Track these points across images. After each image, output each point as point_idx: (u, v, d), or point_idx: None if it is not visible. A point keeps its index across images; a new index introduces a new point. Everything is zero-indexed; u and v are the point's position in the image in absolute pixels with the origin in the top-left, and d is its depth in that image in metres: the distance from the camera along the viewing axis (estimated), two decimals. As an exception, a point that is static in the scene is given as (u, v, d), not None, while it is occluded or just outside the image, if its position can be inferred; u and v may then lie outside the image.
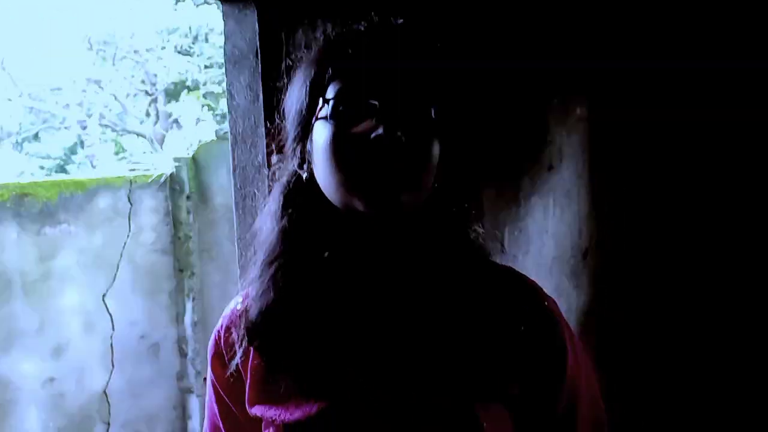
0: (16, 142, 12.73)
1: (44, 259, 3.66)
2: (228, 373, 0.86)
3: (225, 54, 1.44)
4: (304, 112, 0.80)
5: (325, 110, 0.77)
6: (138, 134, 11.51)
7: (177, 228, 4.08)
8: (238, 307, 0.88)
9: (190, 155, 4.02)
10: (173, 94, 11.47)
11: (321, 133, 0.77)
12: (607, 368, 2.41)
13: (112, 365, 4.00)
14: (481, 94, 1.76)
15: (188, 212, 4.05)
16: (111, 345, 3.98)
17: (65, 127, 12.13)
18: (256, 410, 0.82)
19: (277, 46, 1.41)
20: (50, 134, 13.19)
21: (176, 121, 11.46)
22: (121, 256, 3.90)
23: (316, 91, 0.78)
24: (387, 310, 0.82)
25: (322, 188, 0.79)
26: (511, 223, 1.87)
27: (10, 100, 11.09)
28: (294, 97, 0.82)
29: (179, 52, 10.84)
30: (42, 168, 12.62)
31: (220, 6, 1.44)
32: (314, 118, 0.79)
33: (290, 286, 0.81)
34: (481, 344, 0.82)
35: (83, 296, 3.84)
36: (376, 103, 0.73)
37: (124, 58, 11.25)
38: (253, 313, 0.83)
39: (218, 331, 0.91)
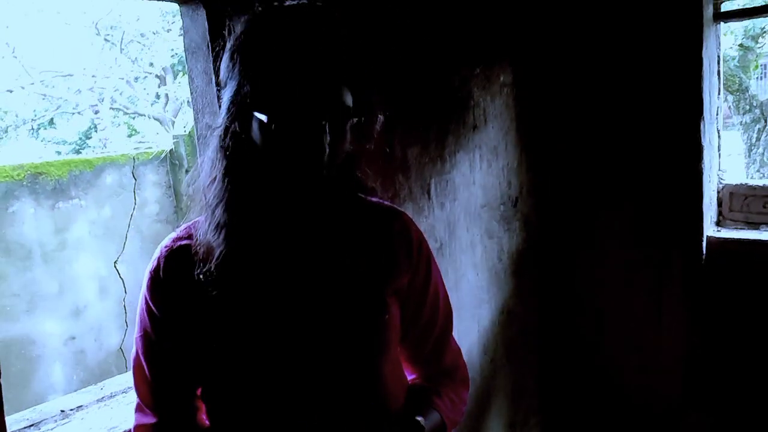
0: (32, 128, 13.05)
1: (59, 231, 4.07)
2: (168, 298, 1.03)
3: (185, 46, 1.78)
4: (241, 96, 0.96)
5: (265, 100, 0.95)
6: (149, 116, 11.77)
7: (178, 199, 4.47)
8: (179, 243, 1.04)
9: (187, 133, 4.38)
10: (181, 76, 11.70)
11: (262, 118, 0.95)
12: (537, 294, 2.78)
13: (126, 325, 4.43)
14: (405, 68, 2.09)
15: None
16: (124, 307, 4.41)
17: (78, 113, 12.40)
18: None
19: (222, 39, 1.76)
20: (64, 120, 13.48)
21: (187, 102, 11.69)
22: (129, 226, 4.30)
23: (254, 79, 0.95)
24: (303, 235, 1.05)
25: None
26: (437, 176, 2.22)
27: (23, 87, 11.31)
28: (233, 81, 0.97)
29: (184, 35, 10.98)
30: (58, 153, 12.87)
31: (179, 7, 1.78)
32: (255, 103, 0.95)
33: (237, 222, 0.99)
34: (370, 249, 1.09)
35: (97, 263, 4.25)
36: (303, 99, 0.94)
37: (131, 41, 11.46)
38: (212, 245, 0.98)
39: (159, 261, 1.04)
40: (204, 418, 1.10)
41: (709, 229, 2.70)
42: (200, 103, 1.84)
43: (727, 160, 2.84)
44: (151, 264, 1.05)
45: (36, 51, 11.28)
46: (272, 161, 0.98)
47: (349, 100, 0.99)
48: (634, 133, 2.68)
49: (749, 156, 9.94)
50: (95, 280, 4.29)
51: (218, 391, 1.06)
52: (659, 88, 2.60)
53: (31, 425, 1.43)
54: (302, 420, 1.02)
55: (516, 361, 2.68)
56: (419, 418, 1.08)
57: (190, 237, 1.05)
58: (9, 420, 1.34)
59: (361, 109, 1.03)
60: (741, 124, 10.12)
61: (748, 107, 9.99)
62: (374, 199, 1.18)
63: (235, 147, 0.99)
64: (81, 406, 1.52)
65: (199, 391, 1.11)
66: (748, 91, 9.99)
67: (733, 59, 10.12)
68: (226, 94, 1.01)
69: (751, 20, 9.15)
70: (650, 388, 2.85)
